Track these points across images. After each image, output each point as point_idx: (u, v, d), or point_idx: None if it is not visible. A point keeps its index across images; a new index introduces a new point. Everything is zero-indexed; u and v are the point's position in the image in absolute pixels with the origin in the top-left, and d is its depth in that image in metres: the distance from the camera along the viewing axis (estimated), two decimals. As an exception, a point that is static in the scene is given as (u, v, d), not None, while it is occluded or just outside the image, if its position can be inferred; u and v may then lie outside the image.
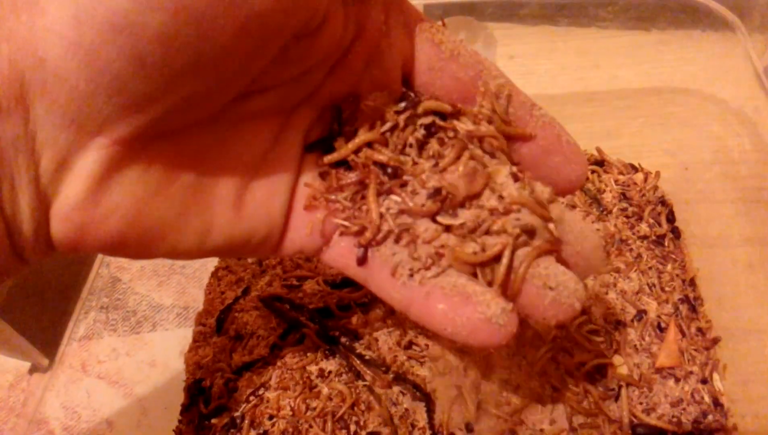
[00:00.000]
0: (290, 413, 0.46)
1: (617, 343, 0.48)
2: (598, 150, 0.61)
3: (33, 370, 0.55)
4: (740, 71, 0.59)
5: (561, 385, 0.46)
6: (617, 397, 0.45)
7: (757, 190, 0.55)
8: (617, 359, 0.47)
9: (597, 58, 0.70)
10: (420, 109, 0.32)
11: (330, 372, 0.47)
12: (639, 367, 0.47)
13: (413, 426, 0.45)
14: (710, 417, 0.45)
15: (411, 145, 0.32)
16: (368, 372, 0.47)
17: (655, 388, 0.46)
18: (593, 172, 0.60)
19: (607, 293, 0.51)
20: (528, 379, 0.46)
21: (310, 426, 0.45)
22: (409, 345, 0.48)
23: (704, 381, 0.46)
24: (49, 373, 0.53)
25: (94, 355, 0.54)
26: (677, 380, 0.46)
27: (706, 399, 0.46)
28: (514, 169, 0.32)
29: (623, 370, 0.46)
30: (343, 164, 0.32)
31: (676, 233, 0.55)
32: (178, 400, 0.50)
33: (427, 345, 0.48)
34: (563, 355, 0.47)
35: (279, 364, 0.48)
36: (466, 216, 0.30)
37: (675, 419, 0.45)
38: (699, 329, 0.49)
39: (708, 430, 0.44)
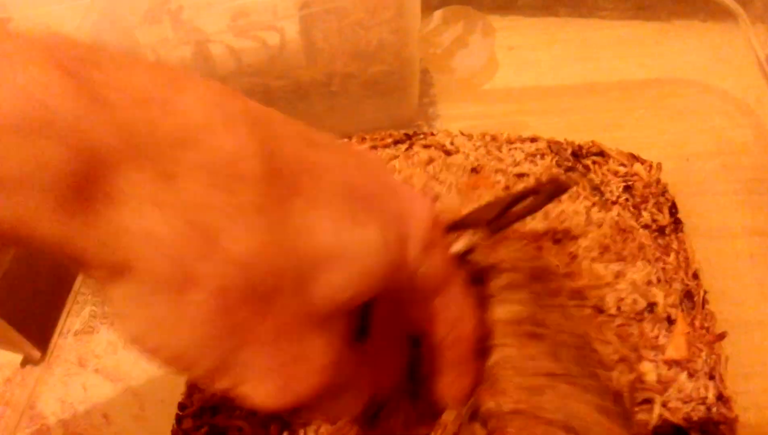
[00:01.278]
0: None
1: (636, 340, 0.47)
2: (595, 143, 0.61)
3: (25, 362, 0.54)
4: (742, 61, 0.58)
5: (588, 382, 0.45)
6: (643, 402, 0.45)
7: (759, 181, 0.55)
8: (645, 365, 0.46)
9: (597, 49, 0.70)
10: None
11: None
12: (657, 366, 0.46)
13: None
14: (714, 410, 0.45)
15: None
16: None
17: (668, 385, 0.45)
18: (594, 162, 0.59)
19: (618, 283, 0.50)
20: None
21: (312, 418, 0.44)
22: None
23: (711, 376, 0.46)
24: (43, 367, 0.53)
25: (90, 349, 0.53)
26: (690, 375, 0.46)
27: (711, 392, 0.45)
28: None
29: (652, 377, 0.45)
30: None
31: (679, 225, 0.55)
32: (175, 393, 0.49)
33: None
34: (591, 353, 0.45)
35: (279, 356, 0.48)
36: None
37: (685, 415, 0.44)
38: (703, 323, 0.49)
39: (712, 422, 0.44)
